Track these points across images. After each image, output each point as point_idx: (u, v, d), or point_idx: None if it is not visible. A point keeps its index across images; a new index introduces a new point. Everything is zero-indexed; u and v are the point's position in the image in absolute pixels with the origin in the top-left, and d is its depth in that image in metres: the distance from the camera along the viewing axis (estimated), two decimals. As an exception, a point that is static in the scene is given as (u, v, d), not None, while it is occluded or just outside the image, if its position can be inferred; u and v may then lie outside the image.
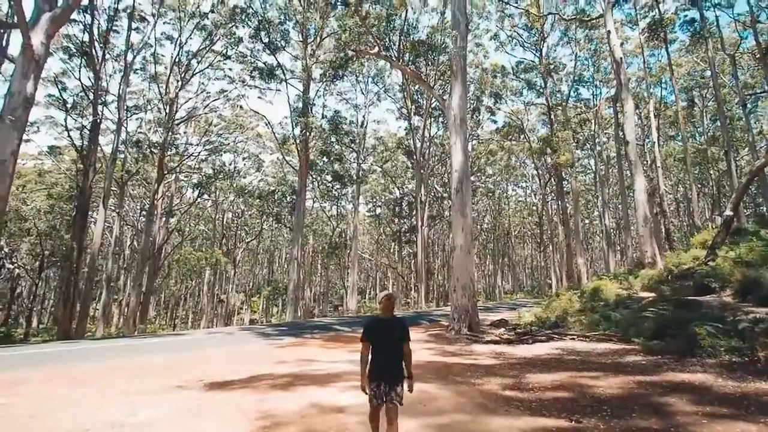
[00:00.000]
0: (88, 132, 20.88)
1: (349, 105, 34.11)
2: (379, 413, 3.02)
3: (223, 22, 23.26)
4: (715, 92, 25.08)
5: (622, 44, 25.12)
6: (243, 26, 23.62)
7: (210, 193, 35.50)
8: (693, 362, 5.80)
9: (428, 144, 33.73)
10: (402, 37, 21.89)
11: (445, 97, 16.02)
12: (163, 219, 30.17)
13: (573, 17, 27.42)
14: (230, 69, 28.16)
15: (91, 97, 20.77)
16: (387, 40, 19.77)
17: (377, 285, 58.96)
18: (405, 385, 3.02)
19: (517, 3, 28.73)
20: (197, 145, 30.60)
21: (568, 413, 3.85)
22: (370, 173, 39.09)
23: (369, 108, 34.14)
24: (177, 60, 24.74)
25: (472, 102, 32.12)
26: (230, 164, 36.40)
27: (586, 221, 50.91)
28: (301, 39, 24.55)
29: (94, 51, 20.61)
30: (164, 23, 25.28)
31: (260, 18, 22.92)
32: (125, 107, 23.25)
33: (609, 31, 18.81)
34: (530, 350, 8.07)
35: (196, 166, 33.33)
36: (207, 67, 26.80)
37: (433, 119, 33.04)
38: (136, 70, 26.33)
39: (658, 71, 33.14)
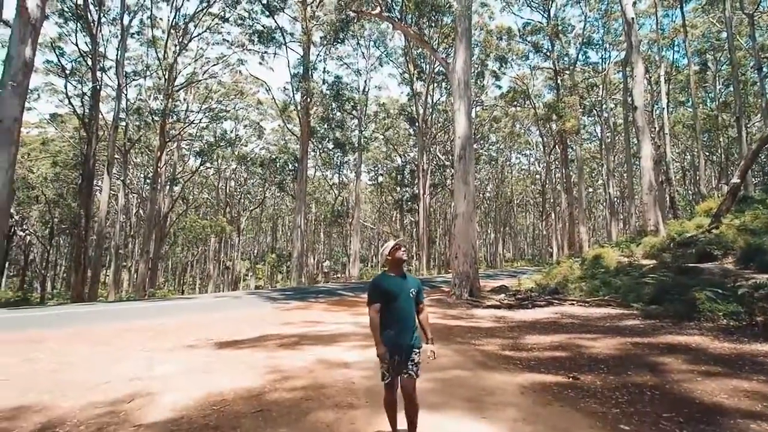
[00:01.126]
0: (88, 99, 20.60)
1: (350, 70, 33.26)
2: (396, 393, 2.50)
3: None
4: (730, 55, 24.22)
5: (634, 3, 23.96)
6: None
7: (212, 161, 35.35)
8: (691, 326, 5.93)
9: (431, 110, 33.09)
10: (406, -3, 21.01)
11: (449, 61, 15.54)
12: (167, 187, 30.23)
13: (585, -26, 26.12)
14: (228, 33, 27.50)
15: (90, 62, 20.34)
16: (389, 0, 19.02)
17: (379, 253, 59.62)
18: (421, 354, 2.57)
19: (526, -41, 27.33)
20: (198, 112, 30.18)
21: (565, 371, 4.00)
22: (372, 141, 38.66)
23: (370, 73, 33.55)
24: (174, 23, 23.98)
25: (476, 66, 31.21)
26: (231, 132, 36.06)
27: (590, 190, 50.59)
28: (300, 0, 23.63)
29: (89, 14, 19.98)
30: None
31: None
32: (124, 73, 22.82)
33: (622, -11, 17.92)
34: (530, 314, 8.26)
35: (198, 133, 33.01)
36: (205, 31, 26.06)
37: (436, 84, 32.25)
38: (133, 34, 25.60)
39: (671, 33, 31.85)
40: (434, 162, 36.62)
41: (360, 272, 35.87)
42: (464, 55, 13.35)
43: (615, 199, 41.01)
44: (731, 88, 28.25)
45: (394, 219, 50.00)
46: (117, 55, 21.56)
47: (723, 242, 10.35)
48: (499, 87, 35.93)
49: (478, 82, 33.28)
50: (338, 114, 27.85)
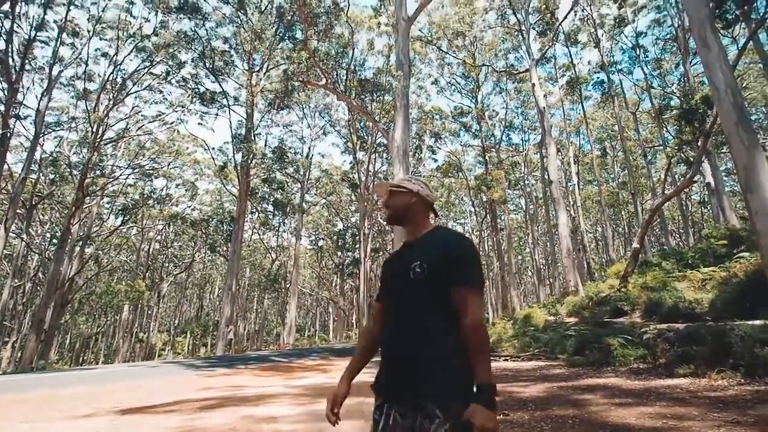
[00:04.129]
0: (-7, 146, 18.80)
1: (294, 137, 34.22)
2: None
3: (164, 45, 22.68)
4: (622, 144, 28.89)
5: (545, 96, 28.32)
6: (186, 51, 23.28)
7: (136, 220, 32.91)
8: (608, 370, 6.37)
9: (372, 178, 34.56)
10: (349, 75, 22.88)
11: (389, 131, 16.80)
12: (78, 247, 27.26)
13: (503, 70, 30.55)
14: (170, 93, 27.11)
15: (2, 108, 18.92)
16: (335, 74, 20.56)
17: (317, 322, 57.16)
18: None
19: (455, 53, 31.43)
20: (125, 167, 28.59)
21: (498, 410, 4.04)
22: (314, 205, 38.93)
23: (314, 141, 34.69)
24: (110, 78, 23.49)
25: (414, 141, 33.79)
26: (162, 190, 34.32)
27: (519, 257, 54.13)
28: (246, 68, 24.60)
29: (11, 59, 19.01)
30: (100, 39, 24.03)
31: (204, 45, 22.75)
32: (44, 123, 21.39)
33: (534, 84, 21.15)
34: (466, 370, 8.28)
35: (123, 190, 31.00)
36: (144, 89, 25.73)
37: (377, 155, 34.13)
38: (63, 85, 24.58)
39: (576, 122, 37.47)
40: (376, 227, 37.42)
41: (295, 342, 33.81)
42: (402, 126, 14.59)
43: (541, 266, 44.22)
44: (626, 171, 33.13)
45: (334, 284, 48.94)
46: (38, 104, 20.35)
47: (630, 299, 11.55)
48: (435, 160, 39.07)
49: (417, 154, 35.82)
50: (280, 176, 28.00)
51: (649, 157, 33.07)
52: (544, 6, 24.11)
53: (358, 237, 33.62)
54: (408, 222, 1.39)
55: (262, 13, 22.35)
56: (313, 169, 35.73)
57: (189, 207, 37.14)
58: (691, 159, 18.09)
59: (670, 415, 3.35)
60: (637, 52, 28.24)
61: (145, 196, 30.54)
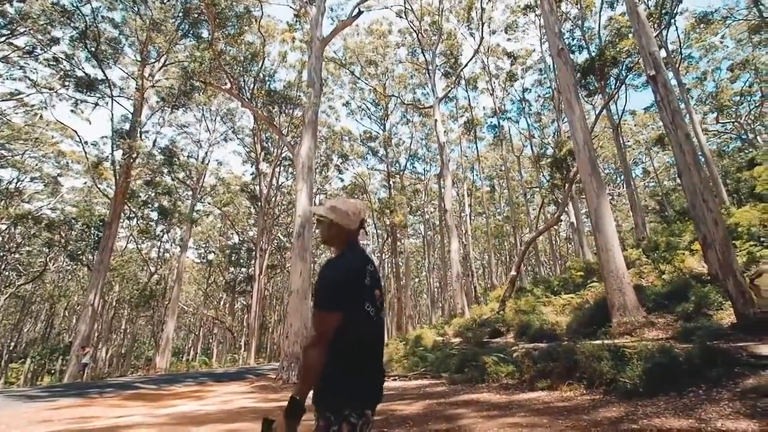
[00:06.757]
0: None
1: (189, 140, 31.41)
2: None
3: (33, 16, 19.19)
4: (507, 183, 32.61)
5: (446, 132, 30.79)
6: (63, 27, 20.03)
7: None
8: (482, 387, 6.88)
9: (275, 192, 33.35)
10: (257, 83, 22.06)
11: (295, 146, 16.47)
12: None
13: (411, 103, 32.55)
14: (35, 71, 22.75)
15: None
16: (242, 81, 19.65)
17: (199, 344, 51.86)
18: None
19: (367, 80, 32.57)
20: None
21: (378, 429, 4.05)
22: (206, 215, 35.91)
23: (213, 146, 32.25)
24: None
25: (322, 159, 33.73)
26: (11, 183, 28.33)
27: (416, 280, 56.68)
28: (138, 59, 22.09)
29: None
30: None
31: (88, 24, 19.84)
32: None
33: (436, 120, 22.88)
34: (354, 391, 8.20)
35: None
36: (-2, 60, 21.32)
37: (282, 168, 33.17)
38: None
39: (472, 159, 41.32)
40: (275, 243, 35.87)
41: (170, 366, 30.05)
42: (309, 143, 14.42)
43: (435, 289, 46.90)
44: (510, 207, 37.34)
45: (222, 302, 45.18)
46: None
47: (507, 321, 12.81)
48: (342, 180, 39.22)
49: (323, 172, 35.71)
50: (168, 180, 25.28)
51: (528, 196, 37.93)
52: (450, 51, 26.54)
53: (254, 252, 31.79)
54: (332, 247, 1.58)
55: (165, 3, 20.51)
56: (209, 176, 33.18)
57: (47, 206, 31.11)
58: (559, 201, 21.24)
59: (525, 424, 3.71)
60: (523, 105, 32.68)
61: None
